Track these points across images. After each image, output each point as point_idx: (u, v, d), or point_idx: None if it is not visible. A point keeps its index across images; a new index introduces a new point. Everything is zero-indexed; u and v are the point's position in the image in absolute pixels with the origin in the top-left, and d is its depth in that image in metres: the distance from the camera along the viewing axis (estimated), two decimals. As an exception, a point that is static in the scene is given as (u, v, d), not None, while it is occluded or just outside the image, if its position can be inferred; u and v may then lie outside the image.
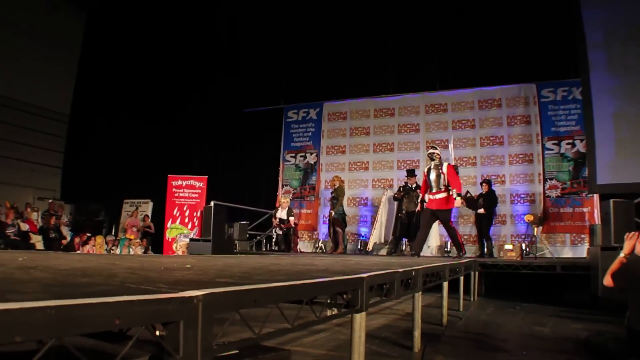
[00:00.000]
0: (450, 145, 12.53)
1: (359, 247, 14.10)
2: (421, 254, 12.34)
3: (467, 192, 12.62)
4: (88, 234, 14.66)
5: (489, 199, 11.94)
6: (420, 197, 10.77)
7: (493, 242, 12.12)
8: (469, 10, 13.26)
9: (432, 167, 10.14)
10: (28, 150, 17.77)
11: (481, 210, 11.94)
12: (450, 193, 9.79)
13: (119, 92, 18.12)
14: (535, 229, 12.14)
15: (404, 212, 12.45)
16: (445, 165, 10.04)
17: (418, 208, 11.08)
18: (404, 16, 14.10)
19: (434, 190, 9.97)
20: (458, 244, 10.44)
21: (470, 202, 12.41)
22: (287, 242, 13.42)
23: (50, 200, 16.75)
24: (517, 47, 12.66)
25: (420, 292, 4.73)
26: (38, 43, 18.24)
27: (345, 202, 13.77)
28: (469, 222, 13.21)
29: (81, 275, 2.37)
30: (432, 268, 5.31)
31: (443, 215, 10.05)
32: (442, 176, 9.92)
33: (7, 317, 1.09)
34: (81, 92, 19.68)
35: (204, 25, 16.71)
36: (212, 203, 11.81)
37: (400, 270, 3.97)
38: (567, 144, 12.75)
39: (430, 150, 10.27)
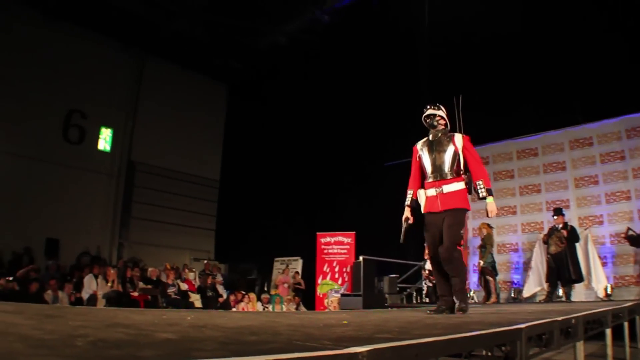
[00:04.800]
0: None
1: (512, 295, 13.59)
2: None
3: (628, 228, 11.93)
4: (242, 292, 15.14)
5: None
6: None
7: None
8: (602, 34, 12.65)
9: (431, 139, 6.05)
10: (184, 215, 18.93)
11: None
12: (479, 192, 5.71)
13: (263, 155, 18.86)
14: None
15: (549, 255, 11.95)
16: (459, 137, 5.94)
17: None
18: (537, 53, 13.74)
19: (431, 180, 5.88)
20: (463, 285, 5.82)
21: (634, 239, 11.70)
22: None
23: (205, 261, 17.62)
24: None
25: (581, 341, 4.54)
26: (187, 117, 19.78)
27: (495, 249, 13.40)
28: (629, 261, 12.39)
29: (249, 333, 2.49)
30: (593, 314, 5.07)
31: (452, 217, 5.65)
32: (452, 154, 5.83)
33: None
34: (228, 159, 20.78)
35: (339, 82, 17.11)
36: (360, 258, 11.90)
37: (560, 318, 3.83)
38: None
39: (430, 112, 6.05)
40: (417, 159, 6.12)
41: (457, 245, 5.65)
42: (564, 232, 11.63)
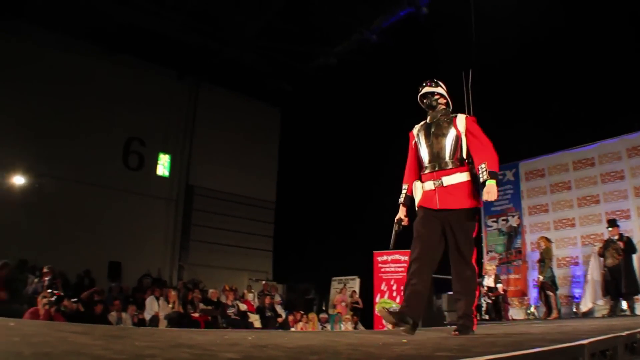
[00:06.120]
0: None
1: (573, 310, 13.33)
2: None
3: None
4: (301, 312, 15.21)
5: None
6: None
7: None
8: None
9: (428, 122, 5.11)
10: (241, 237, 19.09)
11: None
12: (481, 175, 4.64)
13: (317, 175, 18.92)
14: None
15: (605, 268, 11.67)
16: (462, 117, 4.95)
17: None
18: (588, 60, 13.46)
19: (428, 170, 4.92)
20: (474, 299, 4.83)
21: None
22: (498, 310, 13.03)
23: (263, 282, 17.65)
24: None
25: (648, 356, 4.46)
26: (242, 141, 20.08)
27: (554, 263, 13.17)
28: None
29: (310, 353, 2.55)
30: (658, 329, 4.97)
31: (460, 222, 4.75)
32: (454, 139, 4.84)
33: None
34: (284, 180, 20.93)
35: (388, 101, 17.01)
36: (418, 276, 11.86)
37: (624, 333, 3.76)
38: None
39: (427, 89, 5.09)
40: (413, 147, 5.13)
41: (472, 260, 4.84)
42: (621, 244, 11.36)
